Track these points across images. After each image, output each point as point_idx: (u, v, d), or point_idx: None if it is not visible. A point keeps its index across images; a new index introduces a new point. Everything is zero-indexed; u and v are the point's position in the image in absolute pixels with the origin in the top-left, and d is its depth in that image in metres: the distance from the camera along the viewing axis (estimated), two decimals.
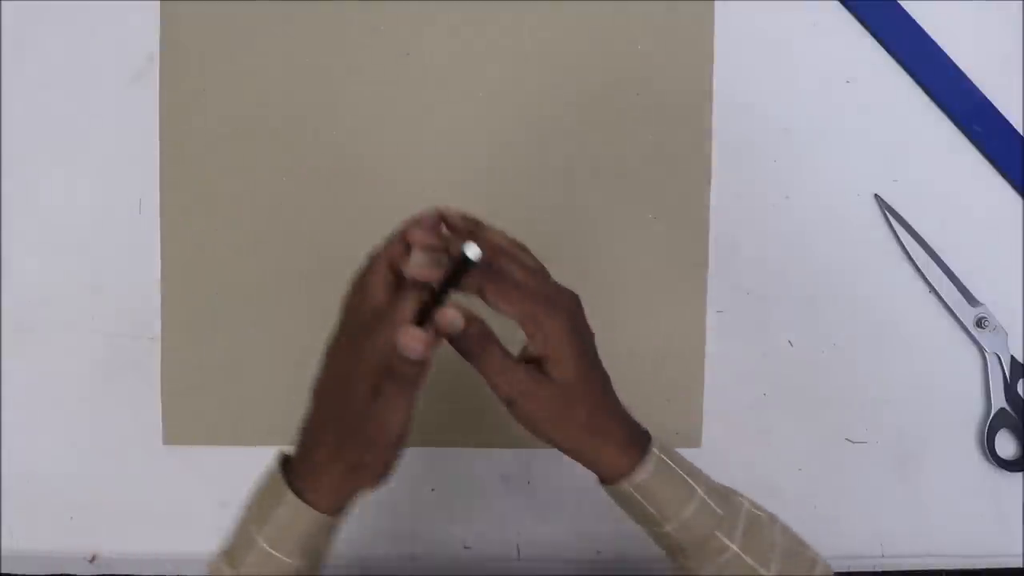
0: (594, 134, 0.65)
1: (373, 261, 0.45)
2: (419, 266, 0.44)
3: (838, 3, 0.65)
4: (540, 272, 0.47)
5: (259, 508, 0.45)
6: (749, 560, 0.45)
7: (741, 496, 0.48)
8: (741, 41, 0.65)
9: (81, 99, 0.64)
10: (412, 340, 0.41)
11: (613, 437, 0.45)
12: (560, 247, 0.65)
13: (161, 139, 0.64)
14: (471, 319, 0.43)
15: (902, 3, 0.65)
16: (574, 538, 0.66)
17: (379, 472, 0.44)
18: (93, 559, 0.65)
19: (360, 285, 0.45)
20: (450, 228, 0.46)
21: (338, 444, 0.43)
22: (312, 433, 0.45)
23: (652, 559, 0.66)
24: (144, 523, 0.65)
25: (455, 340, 0.43)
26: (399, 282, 0.44)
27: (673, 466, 0.46)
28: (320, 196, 0.64)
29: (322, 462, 0.44)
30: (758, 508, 0.48)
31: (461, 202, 0.64)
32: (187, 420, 0.65)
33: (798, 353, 0.66)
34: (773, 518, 0.48)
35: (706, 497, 0.45)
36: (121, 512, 0.65)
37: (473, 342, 0.44)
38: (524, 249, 0.47)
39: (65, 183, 0.65)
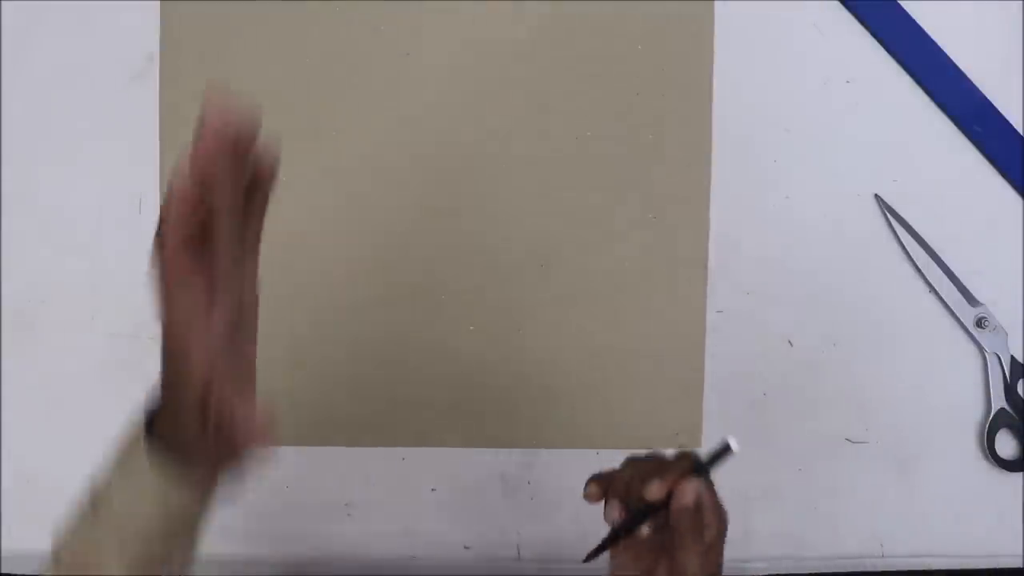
0: (594, 134, 0.65)
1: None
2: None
3: (838, 3, 0.65)
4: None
5: None
6: None
7: None
8: (741, 41, 0.65)
9: (81, 99, 0.64)
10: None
11: None
12: (560, 247, 0.65)
13: (161, 139, 0.64)
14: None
15: (902, 3, 0.65)
16: (574, 538, 0.66)
17: None
18: None
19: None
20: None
21: None
22: None
23: None
24: None
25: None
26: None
27: None
28: (319, 196, 0.64)
29: None
30: None
31: (460, 202, 0.65)
32: None
33: (798, 353, 0.66)
34: None
35: None
36: None
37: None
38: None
39: (65, 183, 0.65)
